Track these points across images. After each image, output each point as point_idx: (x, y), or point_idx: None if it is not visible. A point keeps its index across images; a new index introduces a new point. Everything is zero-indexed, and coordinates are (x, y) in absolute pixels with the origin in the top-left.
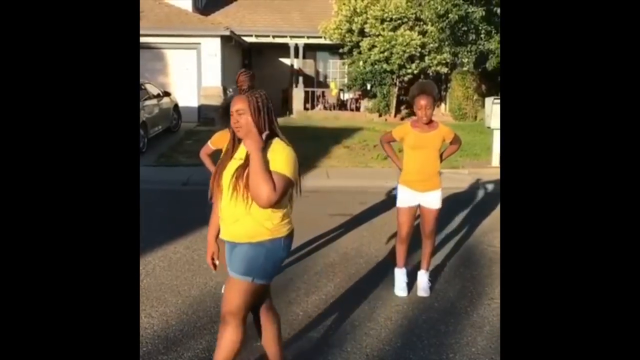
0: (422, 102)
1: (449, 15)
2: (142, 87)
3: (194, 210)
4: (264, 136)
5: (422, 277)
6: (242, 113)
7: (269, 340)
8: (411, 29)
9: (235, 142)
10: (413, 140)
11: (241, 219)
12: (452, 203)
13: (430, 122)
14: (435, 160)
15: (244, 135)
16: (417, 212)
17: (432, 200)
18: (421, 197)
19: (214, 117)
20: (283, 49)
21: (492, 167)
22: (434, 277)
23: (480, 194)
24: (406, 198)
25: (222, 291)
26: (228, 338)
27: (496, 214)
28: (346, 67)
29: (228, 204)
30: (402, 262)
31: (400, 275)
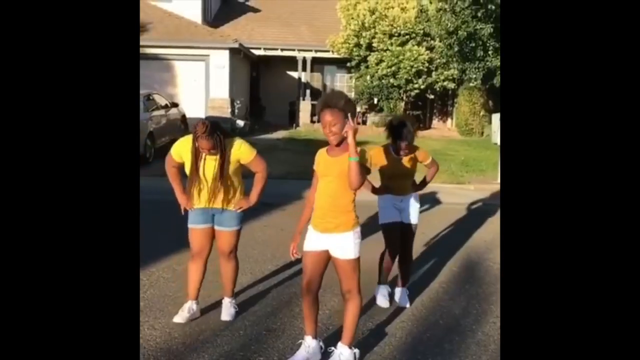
0: (327, 117)
1: (458, 32)
2: (150, 97)
3: None
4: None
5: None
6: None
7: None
8: (419, 44)
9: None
10: (321, 167)
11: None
12: (457, 219)
13: (341, 142)
14: (344, 191)
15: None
16: (327, 261)
17: (343, 247)
18: (327, 240)
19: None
20: (291, 62)
21: (498, 184)
22: (438, 294)
23: (486, 210)
24: (309, 240)
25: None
26: (201, 270)
27: None
28: (353, 81)
29: (220, 191)
30: (309, 329)
31: (305, 343)
